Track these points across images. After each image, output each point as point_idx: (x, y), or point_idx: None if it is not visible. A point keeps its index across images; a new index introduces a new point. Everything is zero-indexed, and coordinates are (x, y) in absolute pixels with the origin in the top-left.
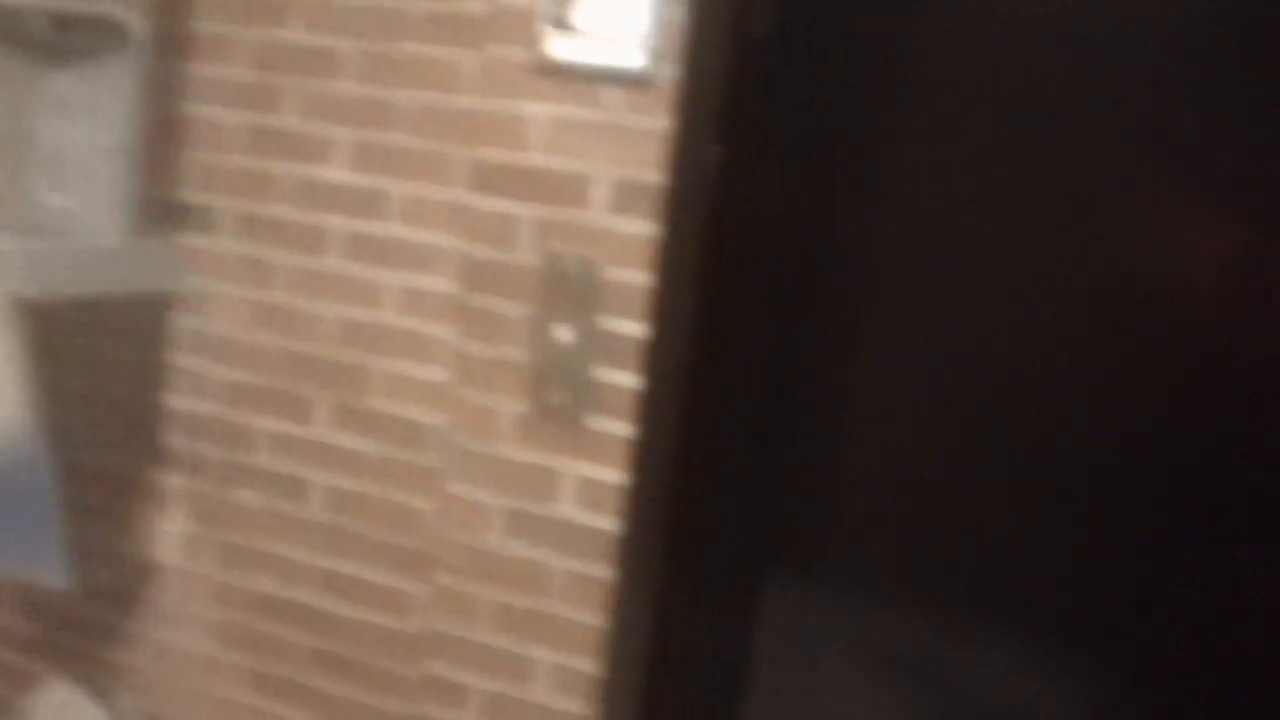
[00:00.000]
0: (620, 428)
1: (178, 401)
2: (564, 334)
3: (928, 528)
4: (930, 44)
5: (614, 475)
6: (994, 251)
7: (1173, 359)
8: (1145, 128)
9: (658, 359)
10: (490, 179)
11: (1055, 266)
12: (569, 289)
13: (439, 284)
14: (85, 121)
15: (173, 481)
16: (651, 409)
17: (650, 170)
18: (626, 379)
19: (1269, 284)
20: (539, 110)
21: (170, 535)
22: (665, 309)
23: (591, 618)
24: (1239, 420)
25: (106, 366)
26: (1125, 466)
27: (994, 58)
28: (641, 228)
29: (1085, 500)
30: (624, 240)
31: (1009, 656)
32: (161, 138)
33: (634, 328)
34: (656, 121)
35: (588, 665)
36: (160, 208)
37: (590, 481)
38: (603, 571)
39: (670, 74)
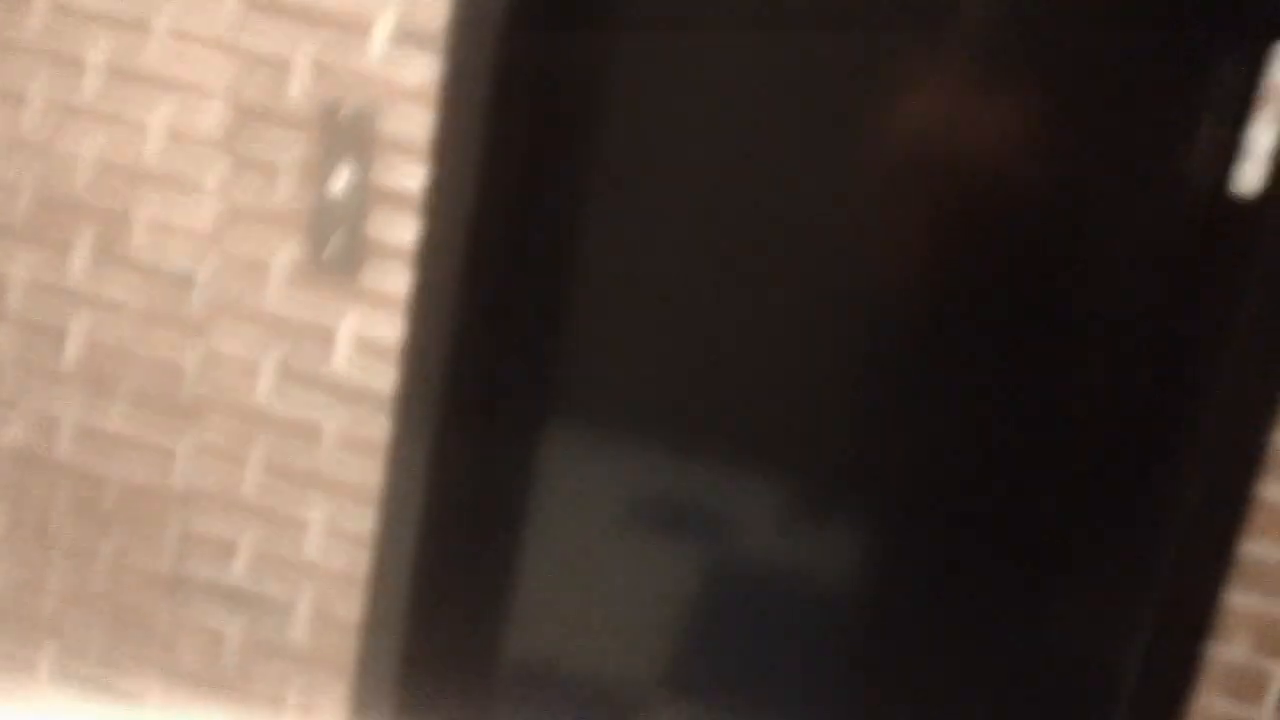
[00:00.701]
0: (398, 280)
1: None
2: (340, 181)
3: (703, 380)
4: None
5: (391, 329)
6: (768, 124)
7: (897, 215)
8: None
9: (436, 209)
10: (264, 13)
11: (806, 137)
12: (346, 134)
13: (207, 123)
14: None
15: None
16: (430, 260)
17: (433, 11)
18: (405, 230)
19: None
20: None
21: None
22: (445, 158)
23: (367, 473)
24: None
25: None
26: (884, 315)
27: None
28: (423, 71)
29: (845, 349)
30: (404, 84)
31: (779, 506)
32: None
33: (413, 176)
34: None
35: (363, 520)
36: None
37: (366, 335)
38: (378, 426)
39: None
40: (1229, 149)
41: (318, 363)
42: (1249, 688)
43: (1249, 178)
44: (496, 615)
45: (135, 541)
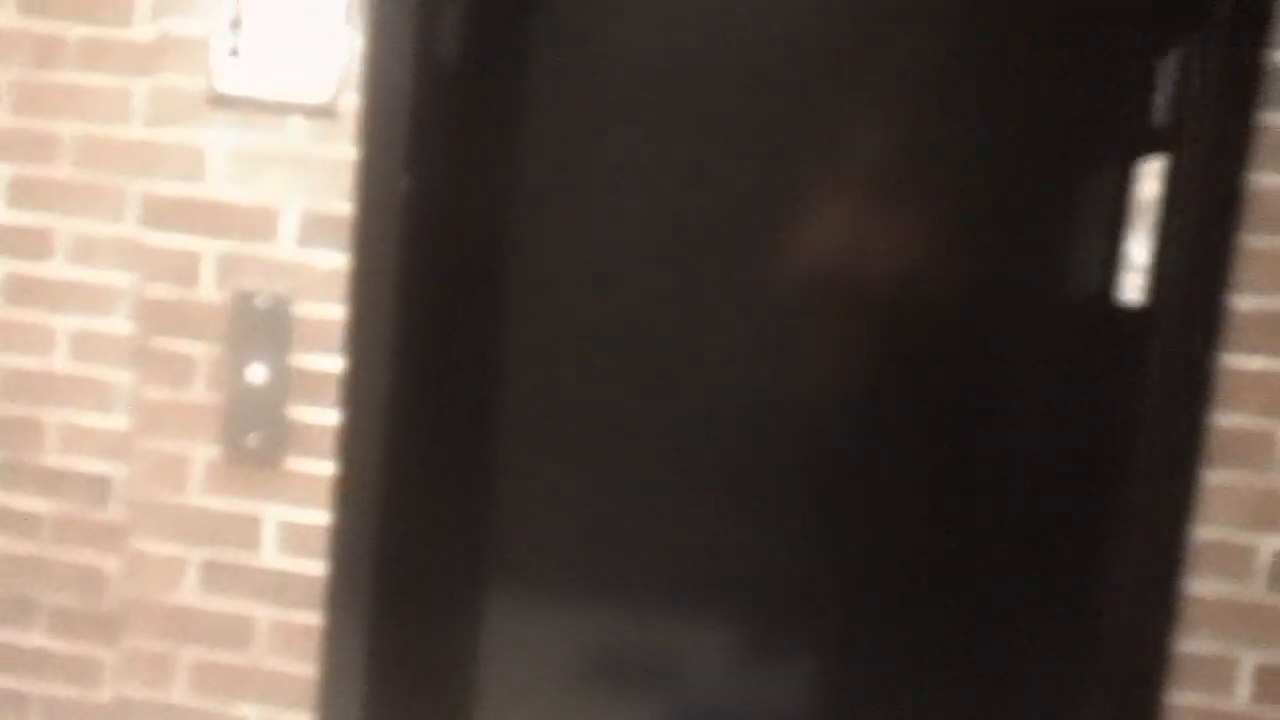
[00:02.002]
0: (322, 466)
1: None
2: (256, 373)
3: (638, 533)
4: (601, 71)
5: (318, 516)
6: (670, 265)
7: (824, 347)
8: (781, 133)
9: (355, 393)
10: (167, 213)
11: (710, 271)
12: (259, 326)
13: (115, 326)
14: None
15: None
16: (351, 444)
17: (339, 201)
18: (325, 415)
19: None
20: (217, 141)
21: None
22: (360, 341)
23: (302, 667)
24: (889, 404)
25: None
26: (808, 457)
27: (657, 82)
28: (332, 260)
29: (776, 485)
30: (315, 273)
31: (722, 653)
32: None
33: (330, 362)
34: (342, 151)
35: (303, 715)
36: None
37: (293, 524)
38: (311, 617)
39: (354, 103)
40: (1110, 261)
41: (245, 555)
42: None
43: (1131, 288)
44: None
45: None
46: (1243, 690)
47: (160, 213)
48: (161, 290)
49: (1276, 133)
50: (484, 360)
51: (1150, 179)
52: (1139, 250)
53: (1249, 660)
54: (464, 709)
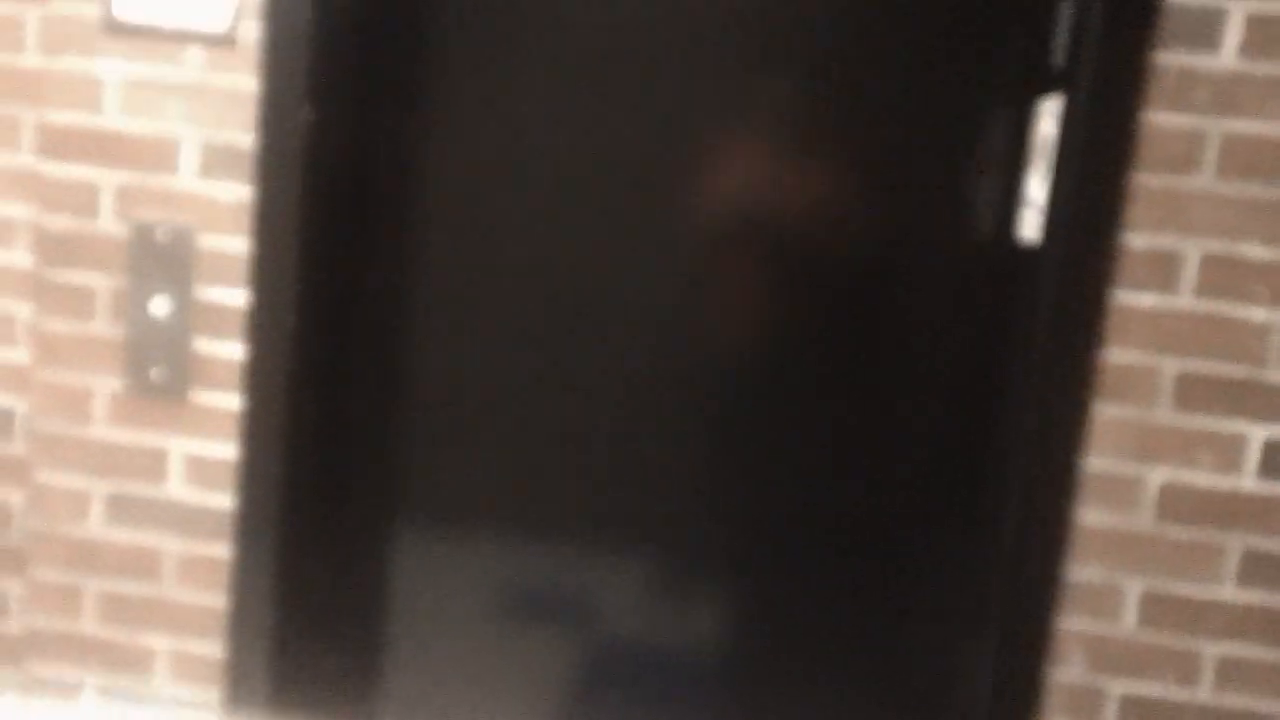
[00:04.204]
0: (227, 399)
1: None
2: (159, 305)
3: (549, 465)
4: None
5: (224, 449)
6: (580, 200)
7: (729, 285)
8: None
9: (260, 326)
10: (64, 144)
11: (619, 206)
12: (161, 258)
13: (13, 259)
14: None
15: None
16: (257, 378)
17: (240, 132)
18: (230, 349)
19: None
20: (115, 70)
21: None
22: (265, 274)
23: (210, 599)
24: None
25: None
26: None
27: (568, 14)
28: (234, 192)
29: (684, 420)
30: (217, 205)
31: (638, 586)
32: None
33: (234, 295)
34: (243, 81)
35: (211, 649)
36: None
37: (198, 458)
38: (219, 550)
39: (254, 33)
40: (1010, 201)
41: (151, 488)
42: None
43: (1030, 227)
44: None
45: None
46: (1129, 617)
47: (57, 143)
48: (60, 222)
49: (1169, 73)
50: (393, 292)
51: (1047, 118)
52: (1036, 189)
53: (1135, 588)
54: (375, 641)
